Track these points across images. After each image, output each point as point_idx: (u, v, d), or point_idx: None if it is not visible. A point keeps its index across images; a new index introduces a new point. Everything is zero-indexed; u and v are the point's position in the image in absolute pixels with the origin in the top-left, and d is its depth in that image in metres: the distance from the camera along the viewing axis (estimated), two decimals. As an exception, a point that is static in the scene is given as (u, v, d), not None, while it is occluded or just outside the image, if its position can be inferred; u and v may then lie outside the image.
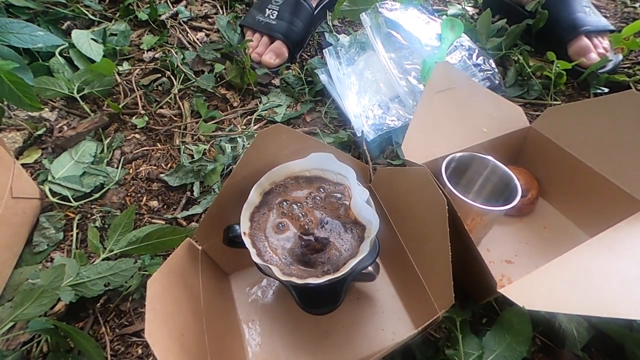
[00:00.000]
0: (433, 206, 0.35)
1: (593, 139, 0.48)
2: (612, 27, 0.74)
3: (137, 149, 0.67)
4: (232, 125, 0.70)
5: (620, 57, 0.71)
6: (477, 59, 0.70)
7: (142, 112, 0.72)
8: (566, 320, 0.41)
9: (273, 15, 0.80)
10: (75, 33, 0.76)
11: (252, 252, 0.34)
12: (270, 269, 0.33)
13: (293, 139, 0.41)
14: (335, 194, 0.38)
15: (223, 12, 0.94)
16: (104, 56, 0.76)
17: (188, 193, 0.59)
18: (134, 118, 0.71)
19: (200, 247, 0.43)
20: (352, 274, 0.35)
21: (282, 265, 0.35)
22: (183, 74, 0.76)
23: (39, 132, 0.67)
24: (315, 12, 0.85)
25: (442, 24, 0.73)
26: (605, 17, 0.77)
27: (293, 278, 0.33)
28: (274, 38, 0.79)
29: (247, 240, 0.35)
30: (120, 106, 0.72)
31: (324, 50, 0.75)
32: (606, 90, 0.69)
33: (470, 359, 0.37)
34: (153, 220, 0.57)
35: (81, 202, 0.58)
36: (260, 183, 0.38)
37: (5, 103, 0.64)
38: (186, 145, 0.66)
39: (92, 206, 0.58)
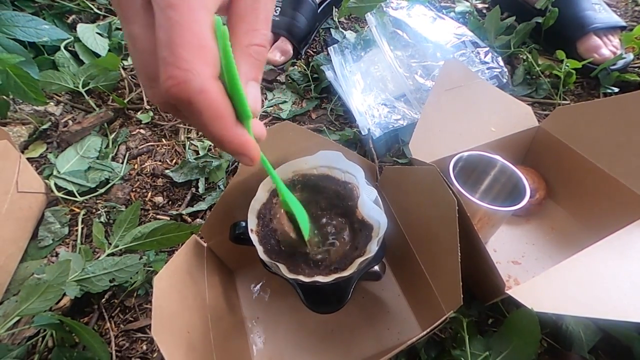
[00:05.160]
0: (442, 206, 0.34)
1: (603, 139, 0.48)
2: (623, 23, 0.73)
3: (142, 145, 0.66)
4: (237, 122, 0.69)
5: (631, 56, 0.70)
6: (485, 57, 0.69)
7: (147, 107, 0.71)
8: (573, 322, 0.41)
9: (276, 12, 0.80)
10: (80, 27, 0.75)
11: (259, 249, 0.34)
12: (277, 266, 0.32)
13: (301, 136, 0.40)
14: (342, 193, 0.37)
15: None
16: (109, 50, 0.75)
17: (193, 189, 0.59)
18: (139, 113, 0.71)
19: (205, 244, 0.43)
20: (359, 273, 0.35)
21: (289, 263, 0.34)
22: (188, 70, 0.76)
23: (44, 127, 0.67)
24: (319, 9, 0.84)
25: None
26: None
27: (300, 276, 0.32)
28: (278, 35, 0.79)
29: (254, 238, 0.34)
30: (125, 101, 0.71)
31: (329, 48, 0.75)
32: (616, 89, 0.68)
33: (477, 360, 0.37)
34: (158, 216, 0.56)
35: (86, 197, 0.58)
36: (268, 180, 0.38)
37: (11, 97, 0.64)
38: (191, 141, 0.66)
39: (97, 201, 0.58)
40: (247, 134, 0.21)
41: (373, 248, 0.33)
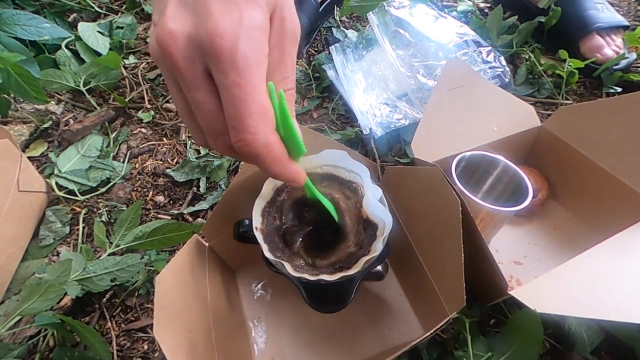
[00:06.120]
0: (445, 206, 0.34)
1: (606, 139, 0.48)
2: (627, 23, 0.72)
3: (143, 144, 0.66)
4: (238, 121, 0.69)
5: (634, 55, 0.69)
6: (487, 57, 0.69)
7: (148, 106, 0.71)
8: (576, 323, 0.41)
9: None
10: (81, 26, 0.75)
11: (264, 247, 0.34)
12: (282, 265, 0.32)
13: (305, 135, 0.40)
14: (347, 192, 0.37)
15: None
16: (110, 49, 0.75)
17: (194, 188, 0.59)
18: (140, 112, 0.70)
19: (207, 244, 0.42)
20: (363, 272, 0.35)
21: (294, 262, 0.34)
22: (189, 68, 0.76)
23: (45, 125, 0.67)
24: (320, 7, 0.84)
25: None
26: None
27: (305, 274, 0.32)
28: None
29: (259, 236, 0.34)
30: (126, 100, 0.71)
31: (330, 47, 0.75)
32: (619, 89, 0.68)
33: (479, 361, 0.37)
34: (159, 216, 0.56)
35: (87, 196, 0.58)
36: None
37: (12, 96, 0.64)
38: (192, 140, 0.66)
39: (98, 200, 0.58)
40: (296, 166, 0.26)
41: (378, 247, 0.33)
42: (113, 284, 0.46)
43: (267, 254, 0.33)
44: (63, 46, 0.73)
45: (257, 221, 0.35)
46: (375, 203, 0.34)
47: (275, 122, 0.23)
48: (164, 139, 0.67)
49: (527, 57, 0.72)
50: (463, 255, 0.32)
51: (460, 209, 0.33)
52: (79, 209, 0.57)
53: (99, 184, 0.60)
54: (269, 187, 0.37)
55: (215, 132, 0.24)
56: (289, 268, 0.32)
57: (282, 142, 0.24)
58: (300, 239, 0.36)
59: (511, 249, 0.50)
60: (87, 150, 0.63)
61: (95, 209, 0.57)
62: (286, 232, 0.36)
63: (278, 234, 0.36)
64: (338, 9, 0.88)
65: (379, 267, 0.41)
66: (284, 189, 0.38)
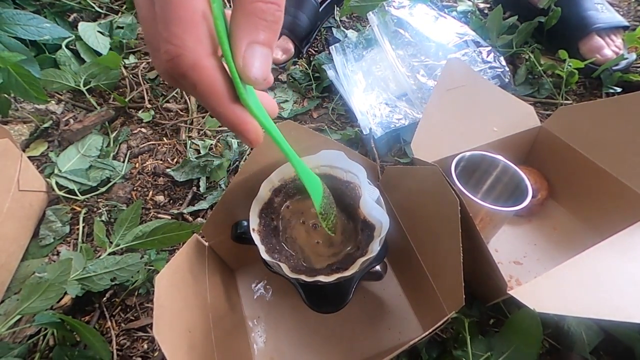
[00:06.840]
0: (445, 206, 0.34)
1: (605, 140, 0.48)
2: (626, 23, 0.72)
3: (143, 143, 0.66)
4: (238, 121, 0.69)
5: (634, 56, 0.69)
6: (487, 57, 0.69)
7: (149, 106, 0.71)
8: (575, 323, 0.41)
9: (277, 11, 0.79)
10: (81, 25, 0.75)
11: (261, 249, 0.34)
12: (279, 266, 0.32)
13: (302, 135, 0.40)
14: (344, 193, 0.37)
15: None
16: (110, 49, 0.75)
17: (194, 188, 0.59)
18: (140, 112, 0.71)
19: (206, 244, 0.42)
20: (361, 272, 0.35)
21: (291, 263, 0.34)
22: (189, 68, 0.76)
23: (46, 125, 0.67)
24: (320, 7, 0.84)
25: None
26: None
27: (302, 276, 0.32)
28: (279, 33, 0.79)
29: (256, 237, 0.34)
30: (126, 100, 0.71)
31: (330, 47, 0.75)
32: (619, 89, 0.68)
33: (479, 361, 0.37)
34: (159, 215, 0.56)
35: (87, 195, 0.58)
36: (270, 179, 0.38)
37: (12, 95, 0.64)
38: (192, 140, 0.66)
39: (99, 200, 0.58)
40: (245, 114, 0.21)
41: (375, 248, 0.33)
42: (113, 283, 0.46)
43: (264, 255, 0.33)
44: (63, 46, 0.73)
45: (254, 222, 0.35)
46: (372, 204, 0.34)
47: (215, 44, 0.19)
48: (164, 138, 0.67)
49: (527, 57, 0.72)
50: (462, 255, 0.32)
51: (460, 208, 0.33)
52: (79, 209, 0.57)
53: (99, 184, 0.60)
54: (265, 189, 0.37)
55: (153, 45, 0.19)
56: (285, 269, 0.32)
57: (225, 74, 0.20)
58: (297, 240, 0.36)
59: (511, 249, 0.50)
60: (87, 150, 0.63)
61: (95, 209, 0.57)
62: (283, 233, 0.36)
63: (275, 235, 0.36)
64: (338, 9, 0.88)
65: (377, 267, 0.41)
66: (281, 190, 0.38)
